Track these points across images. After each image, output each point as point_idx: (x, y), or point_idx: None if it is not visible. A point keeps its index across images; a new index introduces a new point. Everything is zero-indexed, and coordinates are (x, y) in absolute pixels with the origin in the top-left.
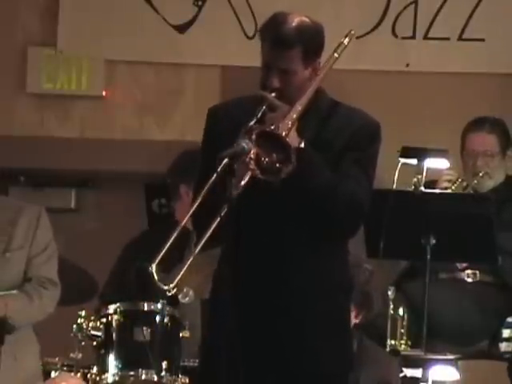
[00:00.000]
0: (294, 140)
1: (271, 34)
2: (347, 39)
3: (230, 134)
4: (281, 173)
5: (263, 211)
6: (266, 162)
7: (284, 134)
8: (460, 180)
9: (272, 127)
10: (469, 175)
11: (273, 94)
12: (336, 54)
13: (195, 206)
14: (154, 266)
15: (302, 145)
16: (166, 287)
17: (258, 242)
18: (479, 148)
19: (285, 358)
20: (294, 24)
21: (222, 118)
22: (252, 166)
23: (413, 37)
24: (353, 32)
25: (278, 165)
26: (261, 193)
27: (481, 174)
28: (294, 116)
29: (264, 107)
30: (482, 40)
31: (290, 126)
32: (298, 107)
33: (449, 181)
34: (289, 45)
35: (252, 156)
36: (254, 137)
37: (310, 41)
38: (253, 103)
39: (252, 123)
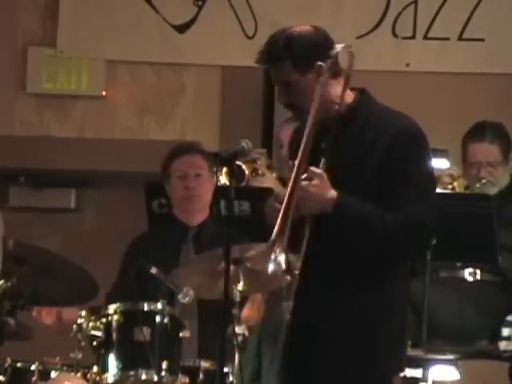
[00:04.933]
0: (327, 193)
1: (261, 53)
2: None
3: None
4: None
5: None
6: None
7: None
8: (462, 179)
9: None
10: (471, 182)
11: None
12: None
13: None
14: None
15: (335, 196)
16: None
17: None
18: (482, 159)
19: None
20: (281, 39)
21: None
22: None
23: (413, 37)
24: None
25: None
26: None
27: (484, 181)
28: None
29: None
30: (482, 40)
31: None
32: (311, 119)
33: (451, 175)
34: (275, 60)
35: None
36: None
37: (299, 52)
38: None
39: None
